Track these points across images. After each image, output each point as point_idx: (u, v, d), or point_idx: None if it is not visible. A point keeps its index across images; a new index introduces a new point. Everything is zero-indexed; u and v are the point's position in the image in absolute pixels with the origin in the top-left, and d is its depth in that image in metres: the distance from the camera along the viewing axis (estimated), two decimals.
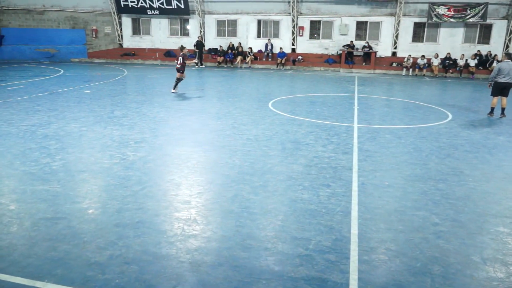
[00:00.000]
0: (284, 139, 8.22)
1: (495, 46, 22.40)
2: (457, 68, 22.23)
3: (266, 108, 11.55)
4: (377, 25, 23.77)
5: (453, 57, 22.43)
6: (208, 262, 3.79)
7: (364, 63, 23.68)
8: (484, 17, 21.65)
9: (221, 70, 23.15)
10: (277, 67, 24.18)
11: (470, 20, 21.91)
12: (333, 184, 5.79)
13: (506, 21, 21.94)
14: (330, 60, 24.21)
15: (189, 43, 24.91)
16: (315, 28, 24.71)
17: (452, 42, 22.89)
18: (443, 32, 22.98)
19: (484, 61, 22.08)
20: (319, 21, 24.41)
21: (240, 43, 25.09)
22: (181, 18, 26.16)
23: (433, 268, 3.78)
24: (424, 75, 22.53)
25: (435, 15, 22.15)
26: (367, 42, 23.65)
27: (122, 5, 26.04)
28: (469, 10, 21.70)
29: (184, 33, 26.60)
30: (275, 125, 9.49)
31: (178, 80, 14.12)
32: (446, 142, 8.38)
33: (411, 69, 22.68)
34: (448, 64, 22.23)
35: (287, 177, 6.04)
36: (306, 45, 24.88)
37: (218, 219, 4.68)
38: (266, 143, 7.88)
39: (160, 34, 26.85)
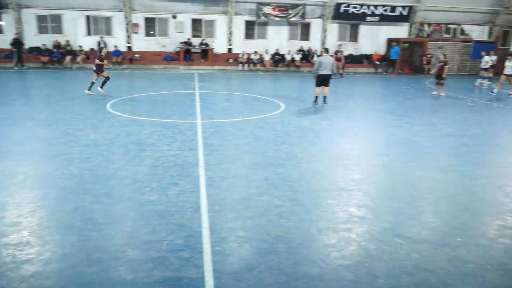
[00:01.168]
0: (127, 141, 7.85)
1: (314, 42, 25.44)
2: (285, 63, 24.56)
3: (104, 111, 10.84)
4: (211, 23, 24.52)
5: (281, 52, 24.65)
6: (49, 286, 3.38)
7: (202, 60, 24.22)
8: (303, 16, 24.35)
9: (48, 71, 20.79)
10: (113, 66, 22.90)
11: (293, 19, 24.39)
12: (181, 182, 5.78)
13: (321, 20, 25.07)
14: (168, 58, 24.04)
15: (3, 41, 21.65)
16: (151, 25, 24.16)
17: (279, 39, 25.12)
18: (271, 30, 25.03)
19: (307, 56, 24.89)
20: (154, 18, 23.96)
21: (67, 41, 22.90)
22: None
23: (279, 247, 4.11)
24: (258, 69, 24.22)
25: (262, 14, 23.96)
26: (204, 39, 24.23)
27: None
28: (291, 10, 24.10)
29: None
30: (115, 127, 8.99)
31: (107, 79, 13.68)
32: (281, 130, 9.18)
33: (246, 65, 24.11)
34: (278, 59, 24.37)
35: (133, 181, 5.79)
36: (142, 43, 24.15)
37: (57, 236, 4.21)
38: (107, 148, 7.40)
39: None
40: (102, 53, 13.89)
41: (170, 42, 24.43)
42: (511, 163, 7.41)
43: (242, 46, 24.57)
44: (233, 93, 15.25)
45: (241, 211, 4.91)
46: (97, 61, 13.58)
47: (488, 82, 18.75)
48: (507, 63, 16.17)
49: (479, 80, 18.66)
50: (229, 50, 24.82)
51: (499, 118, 11.72)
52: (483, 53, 19.51)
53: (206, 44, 24.20)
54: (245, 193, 5.46)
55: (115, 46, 23.11)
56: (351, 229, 4.54)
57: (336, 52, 22.00)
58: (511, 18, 25.57)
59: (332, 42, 25.12)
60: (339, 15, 24.60)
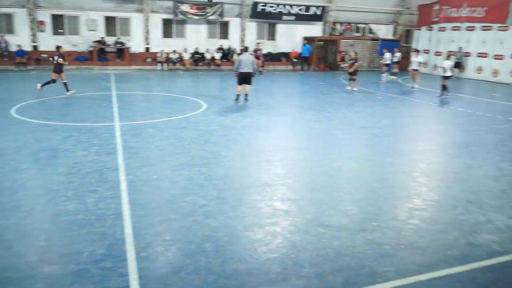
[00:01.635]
0: (37, 149, 7.26)
1: (234, 40, 25.60)
2: (206, 61, 24.42)
3: (8, 116, 9.91)
4: (126, 21, 23.54)
5: (200, 51, 24.46)
6: None
7: (118, 60, 23.18)
8: (222, 15, 24.38)
9: None
10: (17, 67, 21.02)
11: (211, 17, 24.29)
12: (100, 188, 5.49)
13: (239, 19, 25.30)
14: (81, 58, 22.62)
15: None
16: (59, 23, 22.53)
17: (198, 38, 24.88)
18: (189, 28, 24.69)
19: (227, 54, 24.98)
20: (63, 16, 22.39)
21: None
22: None
23: (206, 246, 4.08)
24: (178, 69, 23.79)
25: (180, 12, 23.54)
26: (119, 38, 23.20)
27: None
28: (209, 8, 23.99)
29: None
30: (22, 134, 8.26)
31: (53, 81, 13.04)
32: (204, 129, 9.12)
33: (165, 64, 23.56)
34: (198, 58, 24.15)
35: (45, 191, 5.38)
36: (50, 42, 22.43)
37: None
38: (13, 156, 6.78)
39: None
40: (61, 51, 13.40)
41: (82, 41, 23.02)
42: (417, 150, 8.11)
43: (160, 45, 23.93)
44: (153, 94, 14.83)
45: (166, 213, 4.79)
46: (60, 60, 12.97)
47: (394, 77, 20.33)
48: (413, 59, 17.66)
49: (383, 75, 20.09)
50: (147, 49, 24.05)
51: (405, 110, 12.77)
52: (384, 50, 21.24)
53: (122, 43, 23.20)
54: (170, 195, 5.34)
55: (18, 46, 21.22)
56: (276, 223, 4.66)
57: (256, 51, 22.39)
58: (412, 18, 27.89)
59: (251, 41, 25.50)
60: (257, 14, 25.03)
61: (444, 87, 15.12)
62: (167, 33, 24.49)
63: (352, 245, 4.20)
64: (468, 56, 23.14)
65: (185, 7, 23.57)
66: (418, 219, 4.89)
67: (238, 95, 12.84)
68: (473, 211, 5.15)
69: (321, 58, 26.90)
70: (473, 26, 22.84)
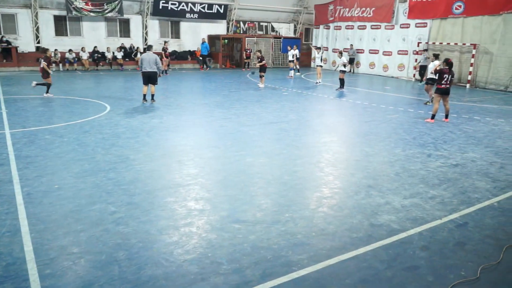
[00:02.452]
0: None
1: (136, 39, 24.61)
2: (107, 61, 23.14)
3: None
4: (12, 17, 21.31)
5: (100, 50, 23.11)
6: None
7: (5, 61, 20.91)
8: (121, 12, 23.25)
9: None
10: None
11: (109, 14, 23.03)
12: None
13: (140, 16, 24.39)
14: None
15: None
16: None
17: (96, 36, 23.47)
18: (86, 25, 23.17)
19: (130, 53, 23.94)
20: None
21: None
22: None
23: (118, 255, 3.88)
24: (75, 69, 22.22)
25: (74, 8, 21.95)
26: (3, 37, 20.91)
27: None
28: (106, 5, 22.72)
29: None
30: None
31: (48, 84, 13.27)
32: (109, 132, 8.65)
33: (61, 64, 21.85)
34: (97, 57, 22.78)
35: None
36: None
37: None
38: None
39: None
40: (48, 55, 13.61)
41: None
42: (321, 142, 8.58)
43: (54, 44, 22.10)
44: (48, 97, 13.63)
45: (72, 225, 4.45)
46: (44, 65, 13.02)
47: (297, 73, 21.32)
48: (316, 56, 18.65)
49: (291, 72, 21.04)
50: (38, 48, 22.05)
51: (309, 104, 13.44)
52: (288, 47, 22.23)
53: (8, 42, 20.97)
54: (74, 205, 4.97)
55: None
56: (191, 223, 4.59)
57: (164, 49, 21.88)
58: (311, 17, 29.44)
59: (154, 39, 24.79)
60: (158, 11, 24.38)
61: (341, 81, 16.39)
62: (60, 31, 22.72)
63: (267, 238, 4.31)
64: (361, 52, 25.09)
65: (79, 3, 22.05)
66: (327, 207, 5.19)
67: (144, 95, 12.42)
68: (373, 195, 5.61)
69: (227, 56, 27.15)
70: (364, 25, 24.83)
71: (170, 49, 24.17)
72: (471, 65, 19.06)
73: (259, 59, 16.92)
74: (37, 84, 13.10)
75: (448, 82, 10.36)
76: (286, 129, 9.50)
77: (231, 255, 3.96)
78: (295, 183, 6.02)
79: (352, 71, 24.94)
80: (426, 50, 20.11)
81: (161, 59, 22.00)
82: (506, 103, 14.87)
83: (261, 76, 17.07)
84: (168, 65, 22.05)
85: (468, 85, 19.23)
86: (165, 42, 23.22)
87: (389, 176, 6.44)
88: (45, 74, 13.10)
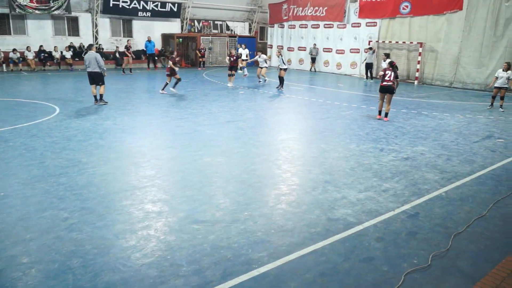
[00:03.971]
0: None
1: (86, 38, 23.65)
2: (55, 61, 22.13)
3: None
4: None
5: (47, 49, 22.06)
6: None
7: None
8: (68, 9, 22.27)
9: None
10: None
11: (55, 12, 22.01)
12: None
13: (90, 14, 23.50)
14: None
15: None
16: None
17: (43, 35, 22.34)
18: (31, 24, 22.00)
19: (79, 52, 23.01)
20: None
21: None
22: None
23: (72, 263, 3.73)
24: (21, 69, 21.07)
25: (17, 6, 20.78)
26: None
27: None
28: (53, 2, 21.71)
29: None
30: None
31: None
32: (59, 135, 8.28)
33: (4, 65, 20.64)
34: (44, 57, 21.73)
35: None
36: None
37: None
38: None
39: None
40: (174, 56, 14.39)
41: None
42: (279, 140, 8.67)
43: None
44: None
45: (20, 233, 4.22)
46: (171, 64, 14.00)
47: (240, 71, 21.09)
48: (262, 57, 18.58)
49: (244, 70, 20.98)
50: None
51: (266, 103, 13.53)
52: (238, 45, 22.12)
53: None
54: (23, 213, 4.72)
55: None
56: (149, 226, 4.50)
57: (127, 48, 21.27)
58: (265, 16, 29.63)
59: (105, 38, 24.01)
60: (109, 9, 23.60)
61: (280, 79, 16.37)
62: (3, 29, 21.45)
63: (227, 237, 4.30)
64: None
65: (23, 0, 20.91)
66: (285, 204, 5.25)
67: (95, 96, 12.00)
68: (330, 190, 5.75)
69: (182, 55, 26.76)
70: (317, 24, 25.32)
71: (122, 48, 23.51)
72: (418, 62, 19.97)
73: (234, 58, 16.89)
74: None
75: (390, 79, 10.28)
76: (244, 128, 9.52)
77: (191, 257, 3.91)
78: (253, 181, 6.04)
79: (314, 69, 25.38)
80: (371, 48, 20.81)
81: (123, 58, 21.55)
82: (451, 98, 15.70)
83: (231, 75, 16.98)
84: (122, 64, 21.44)
85: (416, 82, 20.12)
86: (128, 40, 22.48)
87: (345, 171, 6.62)
88: (172, 72, 13.32)
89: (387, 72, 10.45)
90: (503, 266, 3.55)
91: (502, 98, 12.69)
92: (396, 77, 10.40)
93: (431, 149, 8.05)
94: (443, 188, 5.95)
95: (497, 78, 12.66)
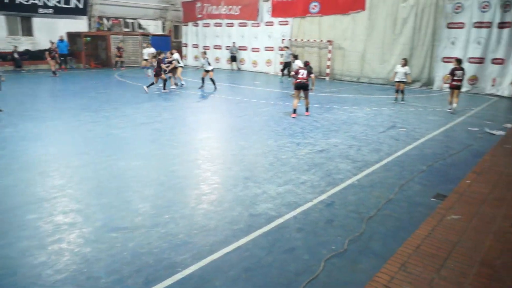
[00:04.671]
0: None
1: None
2: None
3: None
4: None
5: None
6: None
7: None
8: None
9: None
10: None
11: None
12: None
13: None
14: None
15: None
16: None
17: None
18: None
19: None
20: None
21: None
22: None
23: None
24: None
25: None
26: None
27: None
28: None
29: None
30: None
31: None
32: None
33: None
34: None
35: None
36: None
37: None
38: None
39: None
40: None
41: None
42: (198, 139, 8.58)
43: None
44: None
45: None
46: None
47: (150, 72, 19.85)
48: (175, 56, 17.77)
49: (148, 71, 19.55)
50: None
51: (183, 102, 13.31)
52: (144, 44, 21.19)
53: None
54: None
55: None
56: (61, 240, 4.17)
57: (50, 50, 19.52)
58: (179, 14, 29.11)
59: (2, 37, 21.81)
60: (4, 5, 21.42)
61: (203, 80, 16.24)
62: None
63: (148, 242, 4.15)
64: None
65: None
66: (207, 203, 5.21)
67: None
68: (251, 186, 5.82)
69: (91, 55, 25.28)
70: (232, 23, 25.50)
71: (21, 48, 21.61)
72: (329, 59, 21.05)
73: (170, 59, 15.92)
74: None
75: (303, 77, 10.75)
76: (161, 129, 9.26)
77: (110, 267, 3.71)
78: (173, 183, 5.91)
79: (238, 68, 25.44)
80: (288, 47, 21.51)
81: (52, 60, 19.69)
82: (359, 92, 16.79)
83: (169, 78, 16.05)
84: (57, 64, 19.66)
85: (327, 78, 21.20)
86: (52, 42, 20.35)
87: (264, 166, 6.75)
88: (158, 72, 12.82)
89: (300, 71, 10.93)
90: (409, 243, 3.87)
91: (402, 92, 13.84)
92: (309, 74, 10.94)
93: (343, 141, 8.53)
94: (355, 177, 6.33)
95: (396, 73, 13.81)
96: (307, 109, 11.30)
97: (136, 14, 27.73)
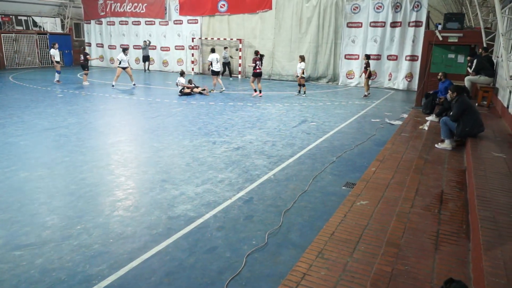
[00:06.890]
0: None
1: None
2: None
3: None
4: None
5: None
6: None
7: None
8: None
9: None
10: None
11: None
12: None
13: None
14: None
15: None
16: None
17: None
18: None
19: None
20: None
21: None
22: None
23: None
24: None
25: None
26: None
27: None
28: None
29: None
30: None
31: None
32: None
33: None
34: None
35: None
36: None
37: None
38: None
39: None
40: None
41: None
42: (109, 143, 8.15)
43: None
44: None
45: None
46: None
47: (58, 74, 18.28)
48: (121, 56, 16.58)
49: (57, 75, 18.14)
50: None
51: (90, 105, 12.52)
52: (53, 44, 19.61)
53: None
54: None
55: None
56: None
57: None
58: (79, 11, 27.25)
59: None
60: None
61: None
62: None
63: (59, 257, 3.86)
64: (138, 48, 24.73)
65: None
66: (122, 210, 4.98)
67: None
68: (168, 188, 5.69)
69: None
70: (138, 21, 24.59)
71: None
72: (240, 58, 21.33)
73: (87, 55, 17.14)
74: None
75: (260, 67, 14.40)
76: (66, 135, 8.64)
77: None
78: (84, 191, 5.55)
79: (148, 68, 23.92)
80: (226, 48, 20.86)
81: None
82: (271, 89, 17.28)
83: (85, 74, 17.24)
84: None
85: (239, 76, 21.48)
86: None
87: (181, 167, 6.64)
88: None
89: (257, 62, 14.34)
90: (324, 231, 4.09)
91: (302, 85, 15.27)
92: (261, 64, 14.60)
93: (258, 137, 8.72)
94: (271, 172, 6.52)
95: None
96: (260, 91, 14.80)
97: (29, 10, 25.41)
